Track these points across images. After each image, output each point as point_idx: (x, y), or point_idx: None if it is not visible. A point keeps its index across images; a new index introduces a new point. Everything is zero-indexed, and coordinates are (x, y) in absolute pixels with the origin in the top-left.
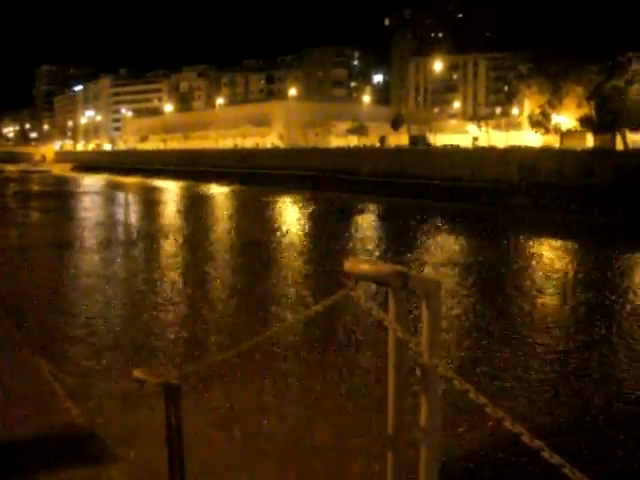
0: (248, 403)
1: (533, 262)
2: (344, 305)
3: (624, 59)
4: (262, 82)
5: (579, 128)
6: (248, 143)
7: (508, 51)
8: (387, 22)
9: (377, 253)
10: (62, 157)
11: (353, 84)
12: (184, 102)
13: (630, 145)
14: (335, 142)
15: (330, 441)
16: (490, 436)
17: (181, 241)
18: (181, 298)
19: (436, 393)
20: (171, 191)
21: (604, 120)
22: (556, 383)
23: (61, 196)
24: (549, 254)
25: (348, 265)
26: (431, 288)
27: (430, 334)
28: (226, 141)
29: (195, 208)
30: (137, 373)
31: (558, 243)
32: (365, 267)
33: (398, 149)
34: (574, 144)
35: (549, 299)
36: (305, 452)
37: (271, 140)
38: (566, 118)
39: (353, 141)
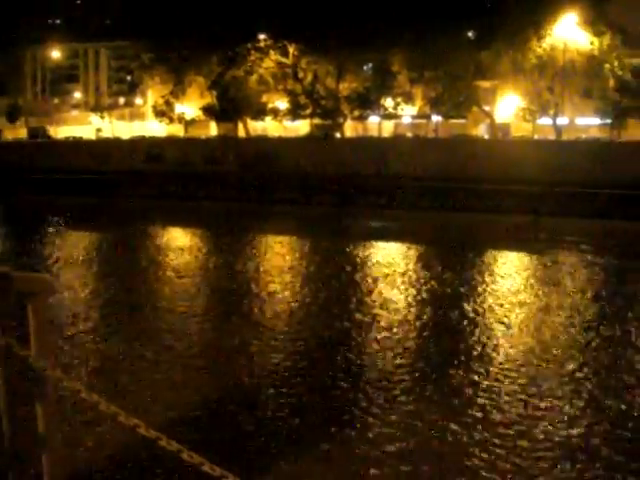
0: None
1: (162, 252)
2: None
3: (243, 50)
4: None
5: (203, 117)
6: None
7: (130, 40)
8: None
9: None
10: None
11: None
12: None
13: (251, 132)
14: None
15: None
16: (117, 434)
17: None
18: None
19: (49, 397)
20: None
21: (226, 109)
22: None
23: None
24: (176, 242)
25: None
26: (39, 288)
27: (38, 335)
28: None
29: None
30: None
31: (186, 231)
32: None
33: (18, 143)
34: (199, 133)
35: (182, 282)
36: None
37: None
38: (190, 108)
39: None
